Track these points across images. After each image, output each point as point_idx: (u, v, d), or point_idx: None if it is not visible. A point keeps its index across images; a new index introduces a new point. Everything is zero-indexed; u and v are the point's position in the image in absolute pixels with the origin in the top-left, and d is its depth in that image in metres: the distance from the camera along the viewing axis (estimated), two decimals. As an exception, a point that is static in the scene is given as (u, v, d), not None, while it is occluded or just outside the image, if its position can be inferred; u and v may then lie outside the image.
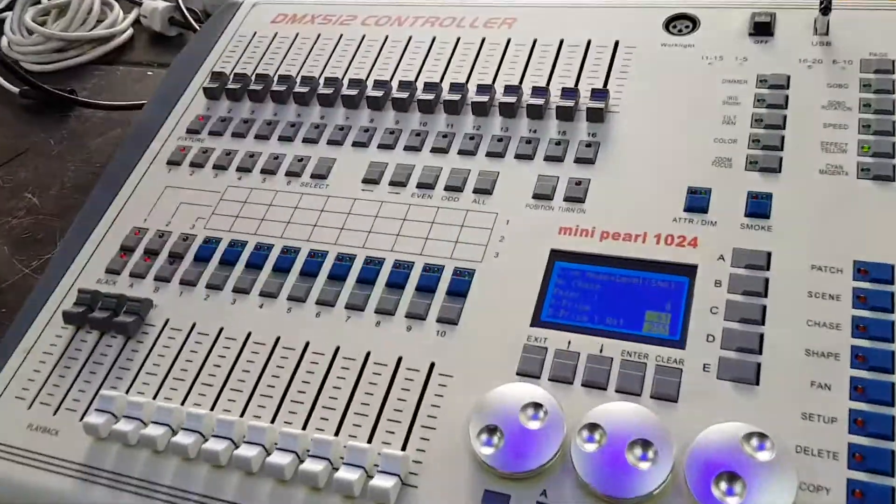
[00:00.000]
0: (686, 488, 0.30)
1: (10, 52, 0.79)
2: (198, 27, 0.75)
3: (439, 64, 0.49)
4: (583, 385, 0.34)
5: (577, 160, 0.42)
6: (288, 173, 0.46)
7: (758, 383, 0.33)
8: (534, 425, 0.33)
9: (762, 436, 0.30)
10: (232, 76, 0.51)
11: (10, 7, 0.82)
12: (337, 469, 0.33)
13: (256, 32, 0.54)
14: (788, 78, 0.42)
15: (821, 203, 0.37)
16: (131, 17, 0.81)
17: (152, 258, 0.44)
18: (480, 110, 0.45)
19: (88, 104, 0.71)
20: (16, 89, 0.73)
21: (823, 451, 0.31)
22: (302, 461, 0.34)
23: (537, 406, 0.33)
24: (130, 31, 0.81)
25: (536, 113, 0.44)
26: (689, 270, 0.37)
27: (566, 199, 0.40)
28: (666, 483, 0.30)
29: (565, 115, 0.43)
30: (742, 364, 0.33)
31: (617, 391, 0.34)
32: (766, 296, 0.35)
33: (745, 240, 0.37)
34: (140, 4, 0.80)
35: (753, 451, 0.30)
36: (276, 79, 0.50)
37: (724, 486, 0.30)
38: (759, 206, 0.38)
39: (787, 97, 0.41)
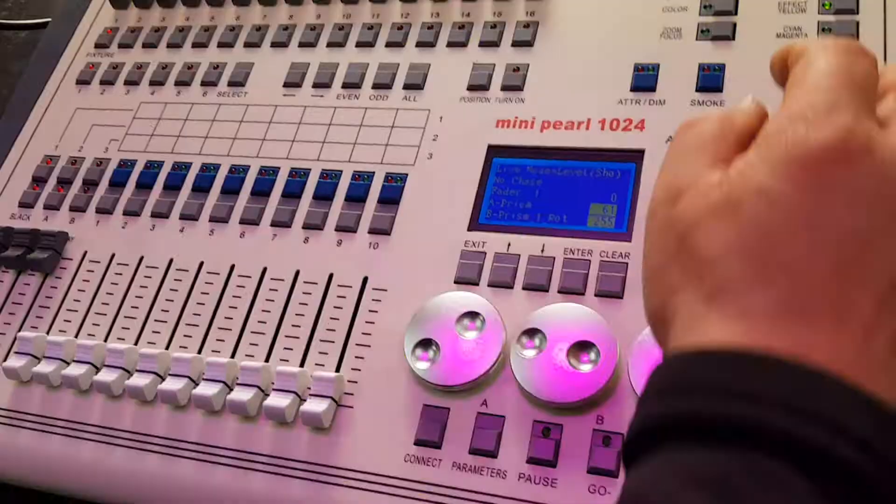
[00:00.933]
0: (631, 386, 0.28)
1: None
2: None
3: (361, -53, 0.44)
4: (524, 288, 0.32)
5: (515, 44, 0.38)
6: (203, 83, 0.42)
7: (709, 272, 0.30)
8: (470, 335, 0.30)
9: (711, 328, 0.28)
10: (137, -20, 0.46)
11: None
12: (268, 395, 0.32)
13: (161, -72, 0.49)
14: (745, -69, 0.38)
15: (779, 71, 0.34)
16: (44, -74, 0.74)
17: (66, 188, 0.40)
18: (407, -4, 0.40)
19: (8, 26, 0.66)
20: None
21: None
22: (231, 390, 0.32)
23: (474, 315, 0.31)
24: (46, -59, 0.74)
25: (468, -6, 0.39)
26: (636, 156, 0.33)
27: (503, 89, 0.37)
28: (610, 383, 0.28)
29: (499, -7, 0.39)
30: (692, 253, 0.31)
31: (560, 292, 0.31)
32: (718, 177, 0.32)
33: (696, 118, 0.33)
34: (52, -89, 0.72)
35: (702, 345, 0.28)
36: (184, -21, 0.45)
37: (670, 383, 0.28)
38: (710, 80, 0.34)
39: (743, -47, 0.37)
